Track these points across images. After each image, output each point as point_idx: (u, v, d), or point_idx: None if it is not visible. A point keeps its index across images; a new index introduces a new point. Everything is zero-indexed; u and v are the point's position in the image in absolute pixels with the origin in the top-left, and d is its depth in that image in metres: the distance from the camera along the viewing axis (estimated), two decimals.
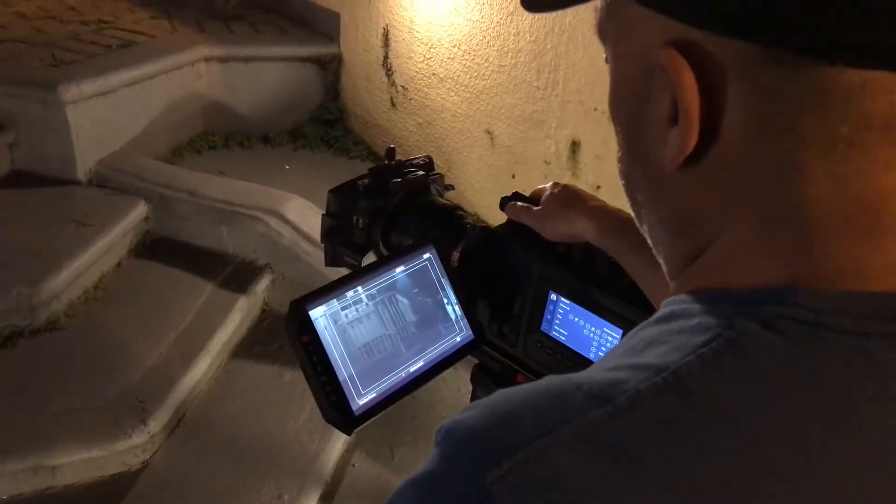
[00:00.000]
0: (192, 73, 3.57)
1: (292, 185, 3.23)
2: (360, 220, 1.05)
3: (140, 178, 3.06)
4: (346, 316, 0.79)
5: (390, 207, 1.04)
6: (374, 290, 0.81)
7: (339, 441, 2.37)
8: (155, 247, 3.04)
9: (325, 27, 3.81)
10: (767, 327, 0.35)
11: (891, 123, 0.34)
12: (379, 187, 1.05)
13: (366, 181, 1.05)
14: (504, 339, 0.97)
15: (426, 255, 0.90)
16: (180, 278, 2.86)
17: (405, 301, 0.83)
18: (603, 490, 0.32)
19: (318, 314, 0.78)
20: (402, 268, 0.87)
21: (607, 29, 0.43)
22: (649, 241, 0.46)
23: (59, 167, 3.03)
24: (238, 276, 2.89)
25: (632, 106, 0.42)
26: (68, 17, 3.74)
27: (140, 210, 3.00)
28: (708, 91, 0.37)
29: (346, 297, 0.80)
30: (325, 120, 3.88)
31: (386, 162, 1.08)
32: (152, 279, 2.86)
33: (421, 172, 1.07)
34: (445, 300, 0.87)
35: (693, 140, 0.38)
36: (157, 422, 2.25)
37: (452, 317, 0.87)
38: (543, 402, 0.36)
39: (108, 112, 3.13)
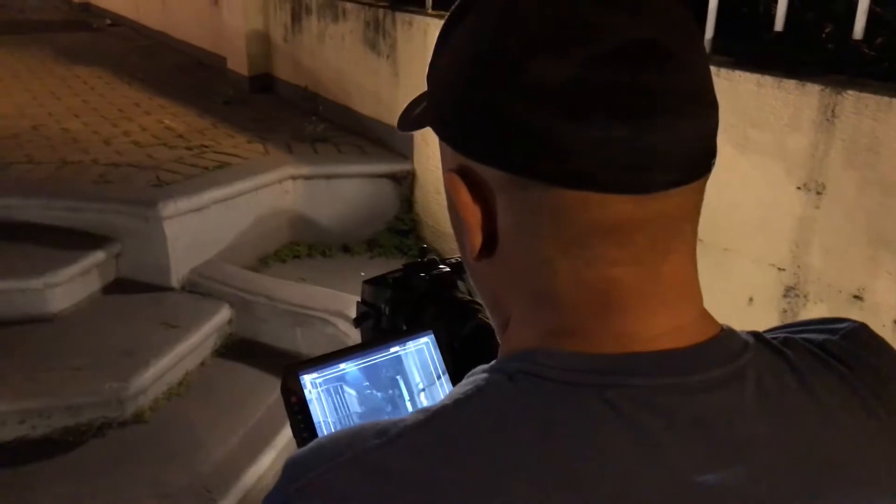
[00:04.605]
0: (279, 189, 3.93)
1: None
2: (387, 309, 1.20)
3: (225, 284, 3.35)
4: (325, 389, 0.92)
5: (413, 299, 1.19)
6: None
7: None
8: (236, 348, 3.29)
9: (401, 146, 4.13)
10: (510, 379, 0.48)
11: (610, 229, 0.46)
12: (406, 280, 1.19)
13: (396, 274, 1.21)
14: None
15: (423, 340, 1.02)
16: (256, 377, 3.07)
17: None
18: (364, 498, 0.44)
19: (307, 380, 0.91)
20: (396, 347, 0.98)
21: (441, 149, 0.57)
22: None
23: (156, 275, 3.37)
24: None
25: (452, 212, 0.56)
26: (175, 143, 4.21)
27: (224, 314, 3.27)
28: (484, 204, 0.50)
29: (326, 371, 0.93)
30: (399, 230, 4.14)
31: (419, 259, 1.24)
32: (231, 378, 3.08)
33: (447, 270, 1.22)
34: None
35: (478, 241, 0.51)
36: None
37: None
38: (346, 436, 0.48)
39: (202, 226, 3.49)
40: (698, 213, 0.49)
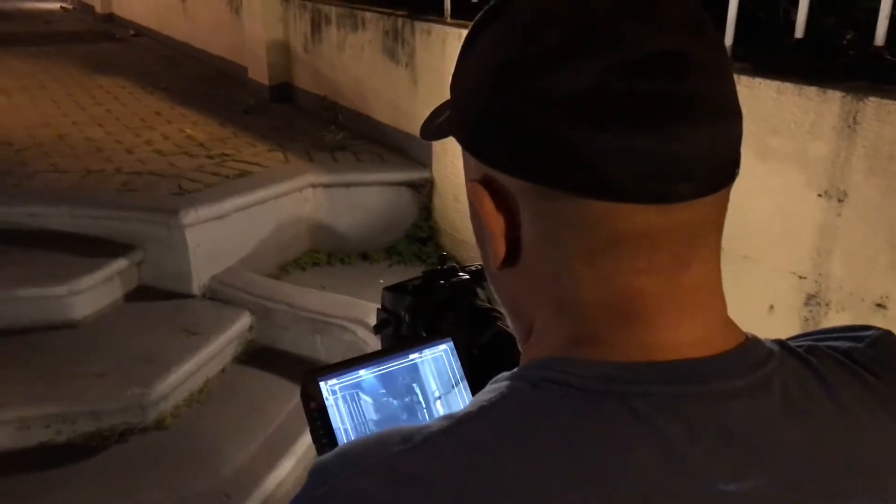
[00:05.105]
0: (299, 198, 3.96)
1: None
2: (407, 316, 1.21)
3: (246, 292, 3.38)
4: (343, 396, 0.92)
5: (433, 306, 1.20)
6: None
7: None
8: (257, 355, 3.31)
9: (420, 154, 4.15)
10: (534, 386, 0.48)
11: (634, 239, 0.46)
12: (426, 288, 1.20)
13: (416, 282, 1.21)
14: None
15: (442, 347, 1.02)
16: (276, 384, 3.09)
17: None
18: (389, 503, 0.44)
19: (327, 385, 0.91)
20: (414, 355, 0.98)
21: (463, 158, 0.58)
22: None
23: (177, 282, 3.41)
24: None
25: (475, 221, 0.56)
26: (197, 152, 4.26)
27: (245, 321, 3.30)
28: (508, 213, 0.50)
29: (345, 378, 0.93)
30: (418, 238, 4.16)
31: (438, 267, 1.24)
32: (251, 385, 3.11)
33: (467, 277, 1.22)
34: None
35: (501, 250, 0.51)
36: None
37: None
38: (371, 442, 0.49)
39: (223, 233, 3.52)
40: (722, 222, 0.49)
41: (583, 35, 0.45)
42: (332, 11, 4.94)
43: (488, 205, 0.50)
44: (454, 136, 0.55)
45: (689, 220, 0.47)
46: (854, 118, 1.99)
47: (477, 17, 0.53)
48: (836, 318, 2.12)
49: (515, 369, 0.52)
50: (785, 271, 2.24)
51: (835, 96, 2.04)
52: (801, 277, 2.20)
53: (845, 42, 2.29)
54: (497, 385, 0.50)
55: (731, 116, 0.47)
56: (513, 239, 0.51)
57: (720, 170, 0.47)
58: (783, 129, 2.18)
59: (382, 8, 4.48)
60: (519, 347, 0.58)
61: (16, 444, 2.67)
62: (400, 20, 4.21)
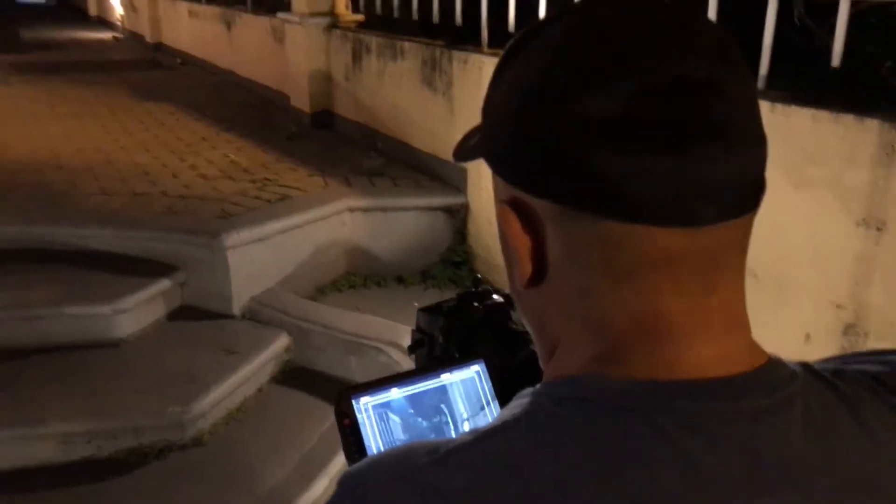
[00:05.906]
0: (337, 221, 4.03)
1: None
2: (440, 337, 1.23)
3: (284, 313, 3.44)
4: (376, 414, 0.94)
5: (466, 328, 1.22)
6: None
7: None
8: (293, 375, 3.35)
9: (455, 179, 4.20)
10: (557, 403, 0.49)
11: (659, 261, 0.47)
12: (460, 310, 1.22)
13: (450, 303, 1.23)
14: None
15: (474, 369, 1.04)
16: (311, 404, 3.12)
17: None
18: None
19: (360, 403, 0.94)
20: (446, 374, 1.00)
21: (493, 180, 0.61)
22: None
23: (218, 302, 3.48)
24: None
25: (502, 241, 0.58)
26: (240, 177, 4.36)
27: (282, 341, 3.35)
28: (535, 233, 0.51)
29: (377, 396, 0.95)
30: (452, 262, 4.19)
31: (472, 289, 1.27)
32: (287, 404, 3.15)
33: (501, 300, 1.24)
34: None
35: (528, 269, 0.52)
36: None
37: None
38: (399, 453, 0.51)
39: (263, 256, 3.60)
40: (747, 245, 0.50)
41: (609, 60, 0.47)
42: (373, 41, 5.05)
43: (515, 225, 0.52)
44: (484, 159, 0.57)
45: (714, 243, 0.48)
46: (893, 147, 1.98)
47: (509, 43, 0.55)
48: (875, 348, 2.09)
49: (538, 385, 0.53)
50: (822, 300, 2.22)
51: (873, 125, 2.03)
52: (838, 307, 2.18)
53: (884, 70, 2.28)
54: (520, 401, 0.51)
55: (755, 141, 0.48)
56: (539, 259, 0.52)
57: (744, 194, 0.48)
58: (819, 157, 2.18)
59: (421, 38, 4.57)
60: (541, 365, 0.59)
61: (58, 459, 2.75)
62: (438, 50, 4.29)
